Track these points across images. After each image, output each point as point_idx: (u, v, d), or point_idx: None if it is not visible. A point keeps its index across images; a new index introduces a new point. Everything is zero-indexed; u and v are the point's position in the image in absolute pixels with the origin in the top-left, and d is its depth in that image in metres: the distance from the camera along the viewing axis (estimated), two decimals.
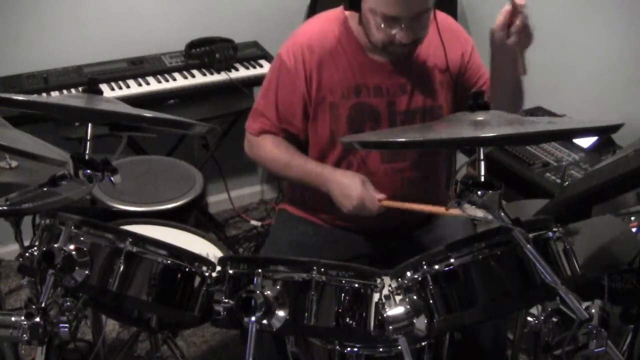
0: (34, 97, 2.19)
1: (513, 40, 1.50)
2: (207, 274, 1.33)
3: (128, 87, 2.60)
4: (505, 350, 1.80)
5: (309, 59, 1.71)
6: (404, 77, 1.73)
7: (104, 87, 2.56)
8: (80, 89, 2.49)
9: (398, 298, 1.25)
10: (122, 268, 1.26)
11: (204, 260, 1.34)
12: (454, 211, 1.51)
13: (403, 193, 1.75)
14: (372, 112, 1.72)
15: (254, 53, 2.89)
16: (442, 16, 1.79)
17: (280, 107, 1.77)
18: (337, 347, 1.36)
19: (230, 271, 1.30)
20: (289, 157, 1.78)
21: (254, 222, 3.16)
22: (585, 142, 2.36)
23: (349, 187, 1.65)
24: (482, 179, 1.18)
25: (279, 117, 1.78)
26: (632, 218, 1.82)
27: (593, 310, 1.18)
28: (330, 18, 1.76)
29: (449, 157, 1.91)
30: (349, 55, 1.72)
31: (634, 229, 1.81)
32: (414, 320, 1.22)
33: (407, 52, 1.67)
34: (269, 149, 1.80)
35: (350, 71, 1.71)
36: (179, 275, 1.30)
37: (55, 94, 2.52)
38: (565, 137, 2.05)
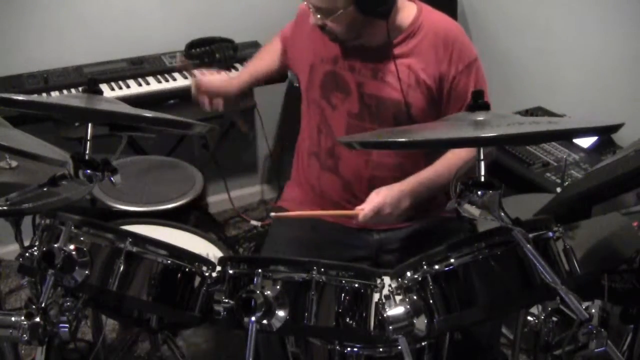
0: (34, 97, 2.19)
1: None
2: (207, 274, 1.33)
3: (128, 87, 2.60)
4: (499, 345, 1.80)
5: (304, 23, 1.84)
6: (380, 63, 1.76)
7: (104, 87, 2.56)
8: (80, 89, 2.49)
9: (398, 298, 1.25)
10: (122, 268, 1.26)
11: (204, 260, 1.34)
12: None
13: (369, 174, 1.81)
14: (343, 85, 1.80)
15: (254, 53, 2.88)
16: (446, 23, 1.79)
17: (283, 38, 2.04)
18: (337, 347, 1.36)
19: (230, 271, 1.30)
20: (251, 62, 2.13)
21: (254, 222, 3.16)
22: (585, 142, 2.36)
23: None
24: (482, 179, 1.18)
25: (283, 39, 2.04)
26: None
27: (593, 310, 1.18)
28: None
29: (429, 156, 1.89)
30: None
31: None
32: (414, 320, 1.21)
33: (336, 41, 1.75)
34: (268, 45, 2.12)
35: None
36: (179, 275, 1.30)
37: (55, 94, 2.52)
38: (565, 137, 2.05)
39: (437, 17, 1.79)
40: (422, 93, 1.76)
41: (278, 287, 1.25)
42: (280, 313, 1.24)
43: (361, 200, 1.79)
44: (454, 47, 1.76)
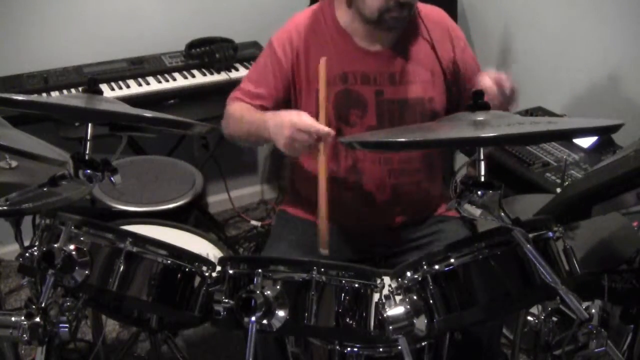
0: (34, 97, 2.19)
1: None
2: (207, 274, 1.33)
3: (128, 87, 2.60)
4: (499, 345, 1.80)
5: (297, 45, 1.77)
6: (393, 66, 1.76)
7: (104, 87, 2.56)
8: (80, 89, 2.49)
9: (398, 298, 1.25)
10: (122, 268, 1.26)
11: (204, 260, 1.34)
12: None
13: (392, 182, 1.78)
14: (359, 100, 1.75)
15: (254, 53, 2.88)
16: (435, 11, 1.83)
17: (261, 85, 1.81)
18: (337, 347, 1.37)
19: (230, 271, 1.30)
20: (243, 112, 1.79)
21: (254, 222, 3.16)
22: (585, 142, 2.36)
23: (282, 115, 1.61)
24: (482, 179, 1.18)
25: (258, 94, 1.81)
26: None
27: (593, 310, 1.18)
28: (321, 7, 1.82)
29: (443, 156, 1.91)
30: (336, 42, 1.75)
31: None
32: (414, 320, 1.21)
33: (403, 19, 1.69)
34: (232, 110, 1.82)
35: (336, 58, 1.74)
36: (179, 275, 1.30)
37: (55, 94, 2.52)
38: (565, 137, 2.05)
39: (422, 6, 1.81)
40: (440, 84, 1.78)
41: (278, 287, 1.25)
42: (280, 313, 1.23)
43: (381, 209, 1.79)
44: (450, 32, 1.82)
